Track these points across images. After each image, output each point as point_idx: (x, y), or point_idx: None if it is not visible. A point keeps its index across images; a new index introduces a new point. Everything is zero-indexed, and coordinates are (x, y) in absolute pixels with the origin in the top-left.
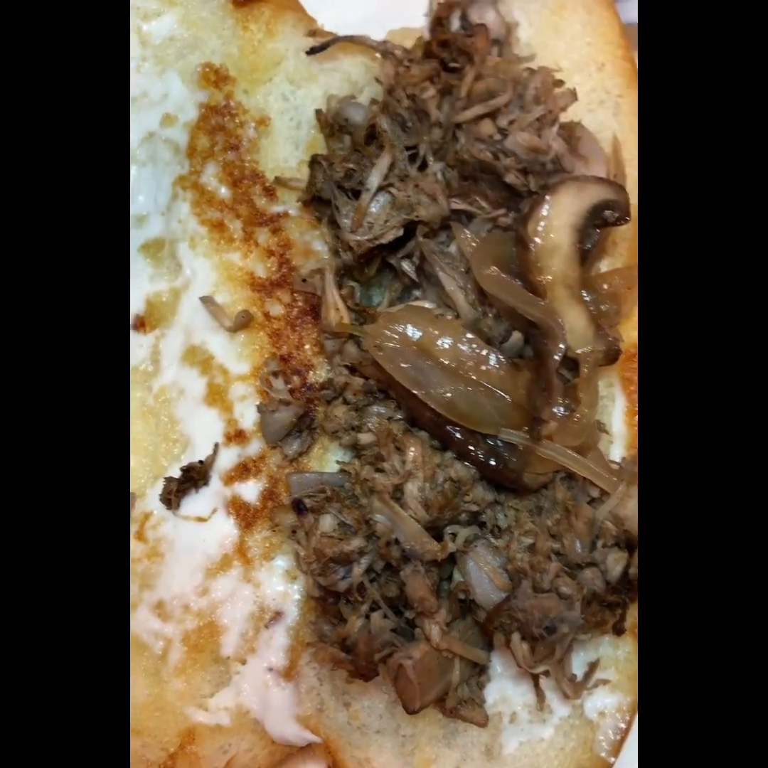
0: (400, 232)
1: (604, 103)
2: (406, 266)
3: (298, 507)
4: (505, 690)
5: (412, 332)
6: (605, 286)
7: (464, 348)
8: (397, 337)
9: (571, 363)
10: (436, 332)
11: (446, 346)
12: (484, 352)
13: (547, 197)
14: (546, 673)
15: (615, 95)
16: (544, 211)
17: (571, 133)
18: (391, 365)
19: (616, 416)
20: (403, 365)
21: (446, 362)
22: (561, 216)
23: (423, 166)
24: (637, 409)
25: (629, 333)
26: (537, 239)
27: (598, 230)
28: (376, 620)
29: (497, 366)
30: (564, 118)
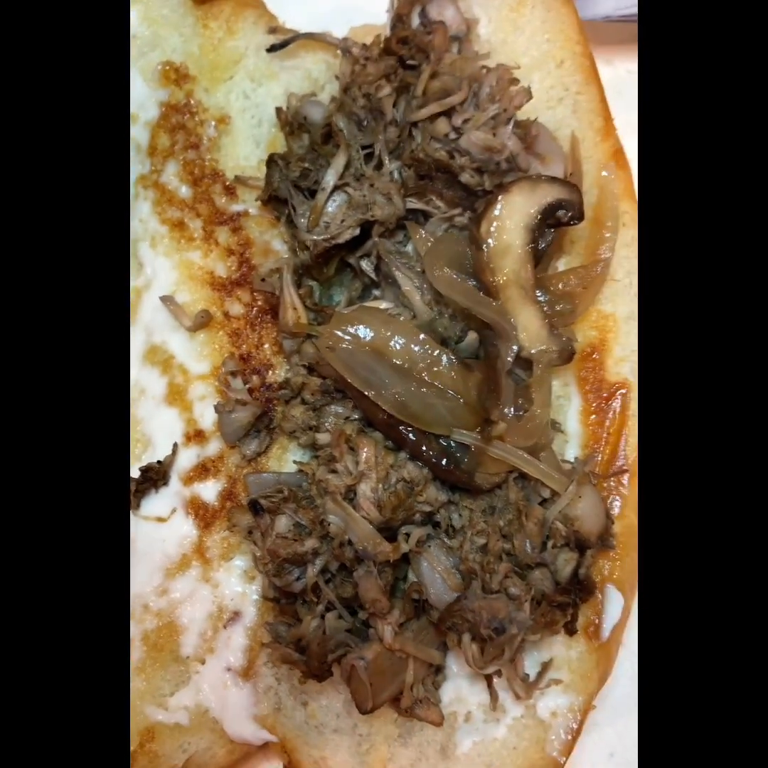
0: (357, 232)
1: (563, 100)
2: (365, 265)
3: (254, 508)
4: (460, 689)
5: (365, 333)
6: (560, 286)
7: (417, 349)
8: (349, 338)
9: (526, 363)
10: (389, 333)
11: (399, 346)
12: (436, 353)
13: (500, 197)
14: (499, 673)
15: (574, 92)
16: (497, 211)
17: (527, 131)
18: (342, 366)
19: (572, 415)
20: (354, 366)
21: (399, 363)
22: (513, 216)
23: (379, 166)
24: (592, 408)
25: (585, 332)
26: (490, 240)
27: (551, 230)
28: (331, 621)
29: (449, 367)
30: (523, 115)
